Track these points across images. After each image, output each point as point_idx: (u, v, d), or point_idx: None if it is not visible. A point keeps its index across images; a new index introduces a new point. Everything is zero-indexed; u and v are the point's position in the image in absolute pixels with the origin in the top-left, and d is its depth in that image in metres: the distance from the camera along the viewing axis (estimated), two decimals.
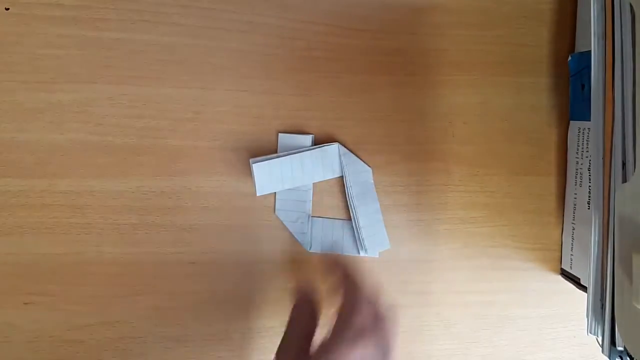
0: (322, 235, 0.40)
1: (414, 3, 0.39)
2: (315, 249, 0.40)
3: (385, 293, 0.41)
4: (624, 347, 0.30)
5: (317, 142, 0.39)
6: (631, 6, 0.29)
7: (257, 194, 0.38)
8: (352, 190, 0.39)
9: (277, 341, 0.40)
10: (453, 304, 0.41)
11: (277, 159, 0.38)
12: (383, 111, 0.39)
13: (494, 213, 0.41)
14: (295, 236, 0.40)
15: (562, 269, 0.42)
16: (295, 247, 0.40)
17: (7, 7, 0.36)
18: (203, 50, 0.38)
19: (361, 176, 0.39)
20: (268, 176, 0.38)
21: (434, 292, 0.41)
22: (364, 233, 0.39)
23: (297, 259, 0.40)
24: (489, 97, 0.40)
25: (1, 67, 0.36)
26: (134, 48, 0.37)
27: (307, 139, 0.39)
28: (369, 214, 0.39)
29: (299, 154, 0.38)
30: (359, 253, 0.40)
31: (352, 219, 0.39)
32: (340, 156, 0.39)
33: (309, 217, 0.40)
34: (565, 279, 0.41)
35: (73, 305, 0.38)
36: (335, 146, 0.39)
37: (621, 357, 0.30)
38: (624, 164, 0.30)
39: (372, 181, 0.40)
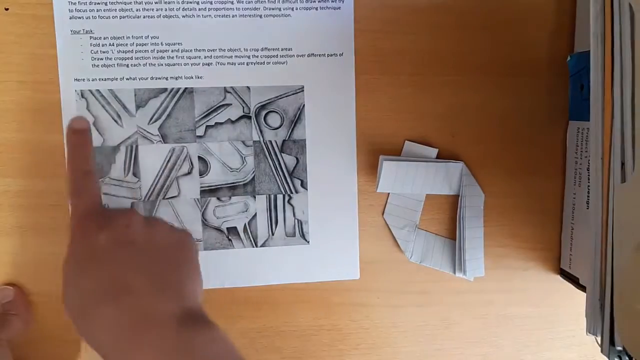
0: (424, 248, 0.40)
1: (414, 3, 0.39)
2: (415, 259, 0.40)
3: (385, 293, 0.41)
4: (623, 347, 0.30)
5: None
6: (630, 6, 0.29)
7: (378, 191, 0.39)
8: (465, 212, 0.39)
9: (277, 341, 0.40)
10: (453, 304, 0.42)
11: (406, 162, 0.38)
12: (382, 111, 0.40)
13: (494, 213, 0.41)
14: (400, 242, 0.40)
15: (561, 269, 0.42)
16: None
17: (6, 7, 0.36)
18: None
19: (475, 200, 0.40)
20: (394, 176, 0.38)
21: (434, 292, 0.41)
22: (467, 255, 0.39)
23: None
24: (488, 97, 0.40)
25: (1, 67, 0.36)
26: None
27: (433, 152, 0.39)
28: (474, 239, 0.40)
29: (425, 163, 0.39)
30: (454, 273, 0.40)
31: (458, 239, 0.40)
32: (462, 176, 0.39)
33: (416, 227, 0.40)
34: (565, 279, 0.41)
35: None
36: (460, 164, 0.39)
37: (620, 357, 0.30)
38: (622, 164, 0.30)
39: (483, 208, 0.40)
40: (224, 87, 0.38)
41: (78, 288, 0.28)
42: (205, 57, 0.37)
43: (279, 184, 0.39)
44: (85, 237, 0.29)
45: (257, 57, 0.38)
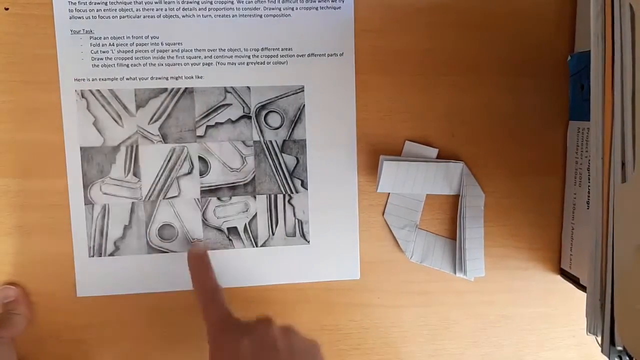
0: (425, 248, 0.40)
1: (414, 3, 0.39)
2: (416, 259, 0.40)
3: (385, 293, 0.41)
4: (623, 347, 0.30)
5: None
6: (631, 6, 0.29)
7: (378, 191, 0.39)
8: (466, 212, 0.39)
9: None
10: (453, 304, 0.42)
11: (406, 162, 0.38)
12: (382, 111, 0.40)
13: (494, 213, 0.41)
14: (400, 242, 0.40)
15: (561, 269, 0.42)
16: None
17: (6, 7, 0.36)
18: None
19: (475, 200, 0.40)
20: (394, 176, 0.38)
21: (434, 292, 0.41)
22: (468, 255, 0.39)
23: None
24: (488, 97, 0.40)
25: (1, 67, 0.36)
26: None
27: (433, 152, 0.39)
28: (474, 239, 0.40)
29: (425, 163, 0.39)
30: (455, 273, 0.40)
31: (458, 239, 0.40)
32: (462, 176, 0.39)
33: (416, 227, 0.40)
34: (565, 279, 0.41)
35: (73, 305, 0.38)
36: (460, 164, 0.39)
37: (620, 357, 0.30)
38: (623, 164, 0.30)
39: (483, 208, 0.40)
40: (224, 87, 0.38)
41: None
42: (205, 57, 0.37)
43: (279, 183, 0.39)
44: (229, 342, 0.31)
45: (257, 57, 0.38)
